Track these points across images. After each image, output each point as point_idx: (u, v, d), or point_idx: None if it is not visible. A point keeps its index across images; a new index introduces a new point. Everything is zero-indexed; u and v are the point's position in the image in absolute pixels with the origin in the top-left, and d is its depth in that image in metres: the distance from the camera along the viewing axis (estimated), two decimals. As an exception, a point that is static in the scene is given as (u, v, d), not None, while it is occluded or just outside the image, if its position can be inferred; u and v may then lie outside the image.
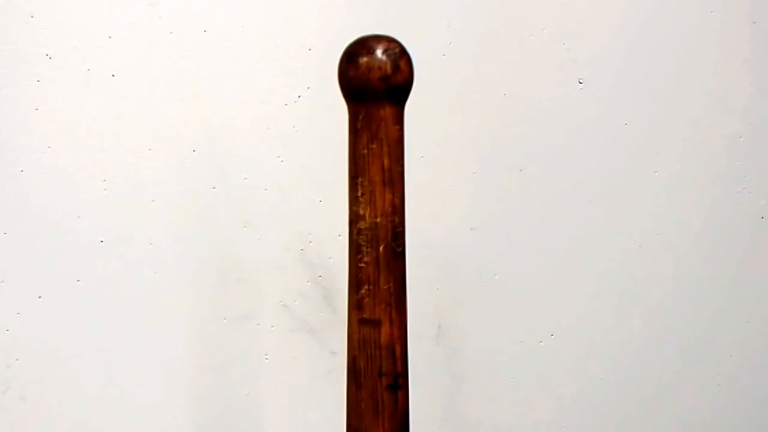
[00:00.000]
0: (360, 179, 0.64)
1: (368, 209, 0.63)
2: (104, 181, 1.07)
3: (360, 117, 0.64)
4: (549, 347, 1.30)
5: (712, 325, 1.38)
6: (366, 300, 0.63)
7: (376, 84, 0.62)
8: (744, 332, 1.40)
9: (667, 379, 1.37)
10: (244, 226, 1.13)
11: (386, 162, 0.63)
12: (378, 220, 0.63)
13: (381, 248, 0.63)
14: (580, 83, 1.26)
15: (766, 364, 1.42)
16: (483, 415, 1.28)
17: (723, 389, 1.39)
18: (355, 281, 0.65)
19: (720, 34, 1.32)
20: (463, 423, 1.27)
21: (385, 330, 0.63)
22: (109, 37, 1.05)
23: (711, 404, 1.39)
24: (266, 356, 1.16)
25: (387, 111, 0.63)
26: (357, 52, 0.63)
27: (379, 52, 0.62)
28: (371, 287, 0.63)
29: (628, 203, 1.31)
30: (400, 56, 0.63)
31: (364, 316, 0.63)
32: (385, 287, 0.63)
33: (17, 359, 1.06)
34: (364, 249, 0.63)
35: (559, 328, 1.30)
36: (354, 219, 0.65)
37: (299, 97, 1.13)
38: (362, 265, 0.63)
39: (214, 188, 1.11)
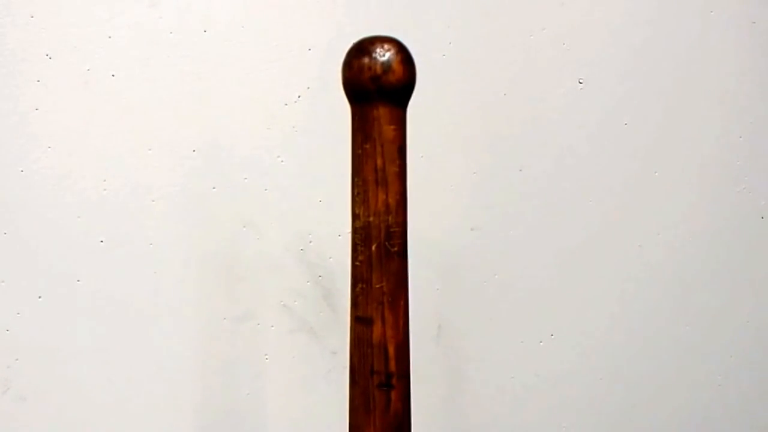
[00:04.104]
0: (356, 179, 0.64)
1: (362, 208, 0.63)
2: (104, 181, 1.07)
3: (356, 117, 0.64)
4: (549, 347, 1.30)
5: (712, 325, 1.38)
6: (360, 298, 0.63)
7: (367, 84, 0.62)
8: (744, 332, 1.39)
9: (667, 379, 1.37)
10: (244, 226, 1.13)
11: (379, 162, 0.63)
12: (371, 219, 0.63)
13: (373, 247, 0.63)
14: (580, 83, 1.26)
15: (766, 364, 1.41)
16: (483, 415, 1.28)
17: (723, 389, 1.39)
18: (353, 280, 0.65)
19: (720, 34, 1.32)
20: (463, 423, 1.27)
21: (377, 329, 0.63)
22: (109, 37, 1.06)
23: (711, 404, 1.39)
24: (266, 356, 1.16)
25: (380, 111, 0.63)
26: (353, 53, 0.64)
27: (371, 53, 0.62)
28: (364, 286, 0.63)
29: (628, 203, 1.31)
30: (393, 57, 0.63)
31: (358, 314, 0.63)
32: (378, 286, 0.63)
33: (17, 359, 1.06)
34: (358, 248, 0.63)
35: (559, 328, 1.30)
36: (352, 218, 0.65)
37: (299, 97, 1.13)
38: (357, 263, 0.63)
39: (214, 188, 1.11)
